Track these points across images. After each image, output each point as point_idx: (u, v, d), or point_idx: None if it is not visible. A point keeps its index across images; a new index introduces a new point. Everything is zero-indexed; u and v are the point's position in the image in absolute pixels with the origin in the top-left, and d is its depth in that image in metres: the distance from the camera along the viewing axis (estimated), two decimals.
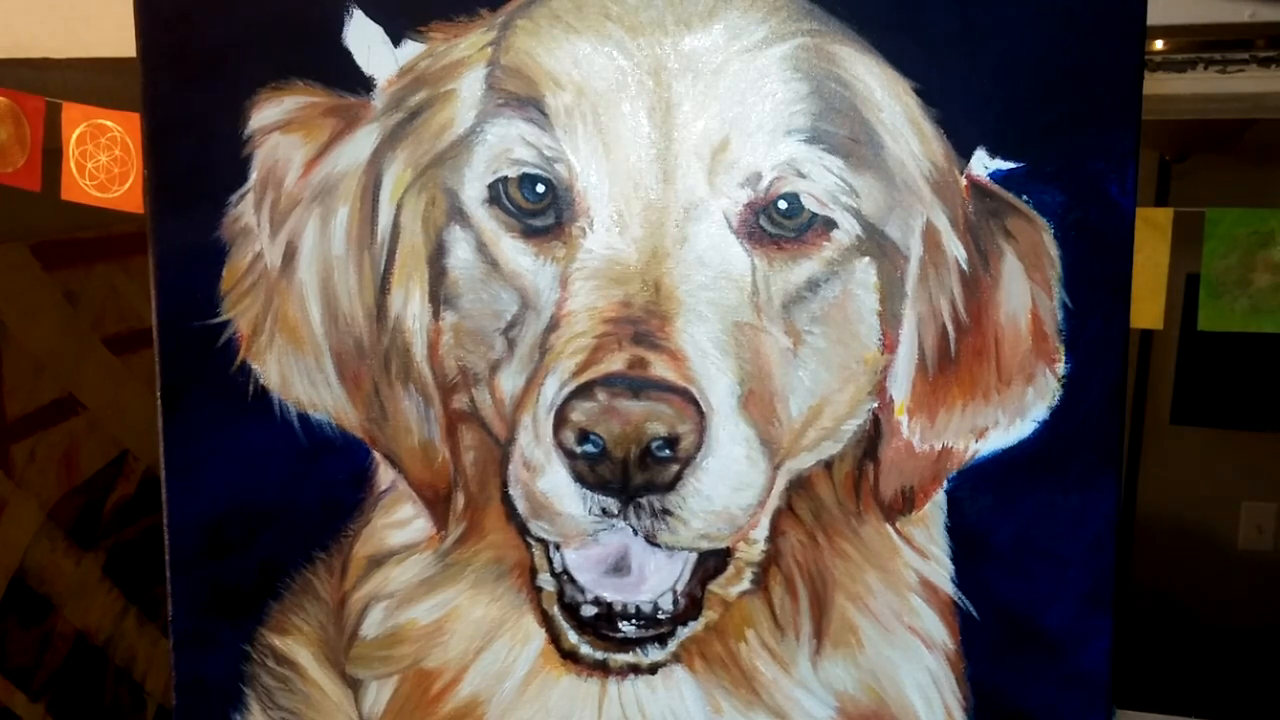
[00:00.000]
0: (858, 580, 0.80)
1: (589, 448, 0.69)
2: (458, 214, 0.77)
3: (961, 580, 0.79)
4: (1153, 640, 2.80)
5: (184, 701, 0.87)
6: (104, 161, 1.26)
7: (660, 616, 0.77)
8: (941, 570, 0.79)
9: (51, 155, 1.30)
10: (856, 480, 0.79)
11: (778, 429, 0.74)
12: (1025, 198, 0.74)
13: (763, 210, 0.73)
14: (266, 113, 0.79)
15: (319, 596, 0.84)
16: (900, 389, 0.77)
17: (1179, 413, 2.84)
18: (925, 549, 0.79)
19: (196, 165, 0.81)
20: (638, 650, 0.78)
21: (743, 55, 0.73)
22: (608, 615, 0.77)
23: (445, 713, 0.83)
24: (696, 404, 0.69)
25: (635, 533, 0.72)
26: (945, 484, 0.78)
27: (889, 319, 0.76)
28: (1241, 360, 2.74)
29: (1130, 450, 2.81)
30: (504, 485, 0.75)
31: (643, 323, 0.70)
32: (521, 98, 0.74)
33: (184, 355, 0.82)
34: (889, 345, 0.76)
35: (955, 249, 0.75)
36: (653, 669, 0.79)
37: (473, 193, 0.76)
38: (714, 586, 0.78)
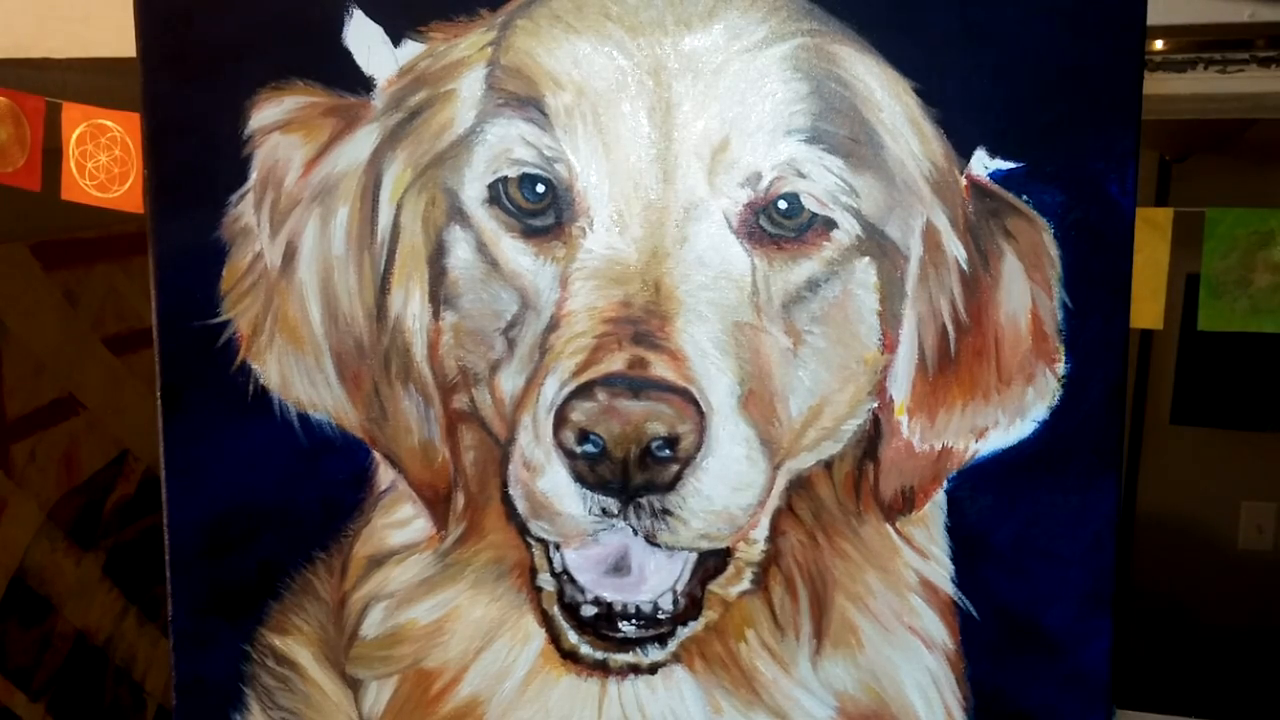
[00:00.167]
0: (858, 580, 0.80)
1: (589, 448, 0.69)
2: (458, 214, 0.77)
3: (961, 580, 0.79)
4: (1153, 640, 2.80)
5: (184, 701, 0.87)
6: (104, 161, 1.26)
7: (660, 616, 0.77)
8: (941, 570, 0.79)
9: (51, 155, 1.30)
10: (856, 480, 0.79)
11: (778, 429, 0.74)
12: (1025, 198, 0.74)
13: (763, 210, 0.73)
14: (266, 113, 0.79)
15: (319, 596, 0.84)
16: (900, 389, 0.77)
17: (1179, 413, 2.84)
18: (925, 549, 0.79)
19: (196, 165, 0.81)
20: (638, 650, 0.78)
21: (743, 55, 0.73)
22: (608, 615, 0.77)
23: (445, 713, 0.83)
24: (696, 404, 0.69)
25: (635, 533, 0.72)
26: (945, 484, 0.78)
27: (889, 319, 0.76)
28: (1241, 360, 2.74)
29: (1130, 450, 2.81)
30: (504, 485, 0.75)
31: (643, 323, 0.70)
32: (521, 98, 0.74)
33: (184, 355, 0.82)
34: (889, 345, 0.76)
35: (955, 249, 0.75)
36: (653, 669, 0.79)
37: (473, 193, 0.76)
38: (714, 586, 0.78)
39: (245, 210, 0.80)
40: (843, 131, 0.73)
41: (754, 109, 0.72)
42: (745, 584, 0.78)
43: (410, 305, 0.79)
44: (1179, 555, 2.86)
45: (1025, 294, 0.75)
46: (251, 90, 0.79)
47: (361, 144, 0.78)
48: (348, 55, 0.77)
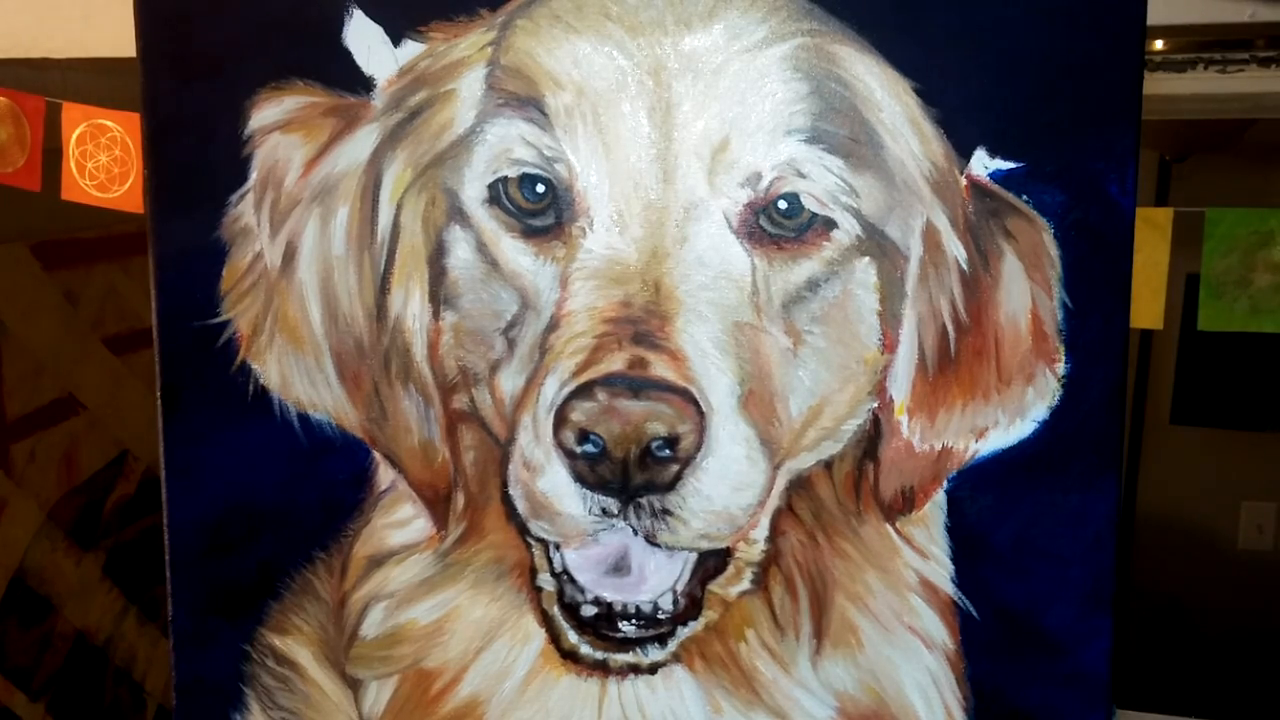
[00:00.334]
0: (858, 580, 0.80)
1: (589, 448, 0.69)
2: (458, 214, 0.77)
3: (961, 580, 0.79)
4: (1153, 640, 2.80)
5: (184, 701, 0.87)
6: (104, 161, 1.26)
7: (660, 616, 0.77)
8: (941, 570, 0.79)
9: (51, 155, 1.30)
10: (856, 480, 0.79)
11: (778, 429, 0.74)
12: (1025, 198, 0.74)
13: (763, 210, 0.73)
14: (266, 113, 0.79)
15: (319, 596, 0.84)
16: (900, 389, 0.77)
17: (1179, 413, 2.84)
18: (925, 549, 0.79)
19: (196, 165, 0.81)
20: (638, 650, 0.78)
21: (743, 55, 0.73)
22: (608, 615, 0.77)
23: (445, 713, 0.83)
24: (696, 404, 0.69)
25: (635, 533, 0.72)
26: (945, 484, 0.78)
27: (889, 319, 0.76)
28: (1241, 360, 2.74)
29: (1130, 450, 2.81)
30: (504, 485, 0.75)
31: (643, 323, 0.70)
32: (521, 98, 0.74)
33: (184, 355, 0.82)
34: (889, 345, 0.76)
35: (955, 249, 0.75)
36: (653, 669, 0.79)
37: (473, 193, 0.76)
38: (714, 586, 0.78)
39: (245, 210, 0.80)
40: (843, 131, 0.73)
41: (754, 109, 0.72)
42: (745, 584, 0.78)
43: (410, 305, 0.79)
44: (1179, 555, 2.85)
45: (1025, 294, 0.75)
46: (251, 90, 0.79)
47: (361, 144, 0.78)
48: (348, 55, 0.77)
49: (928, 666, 0.80)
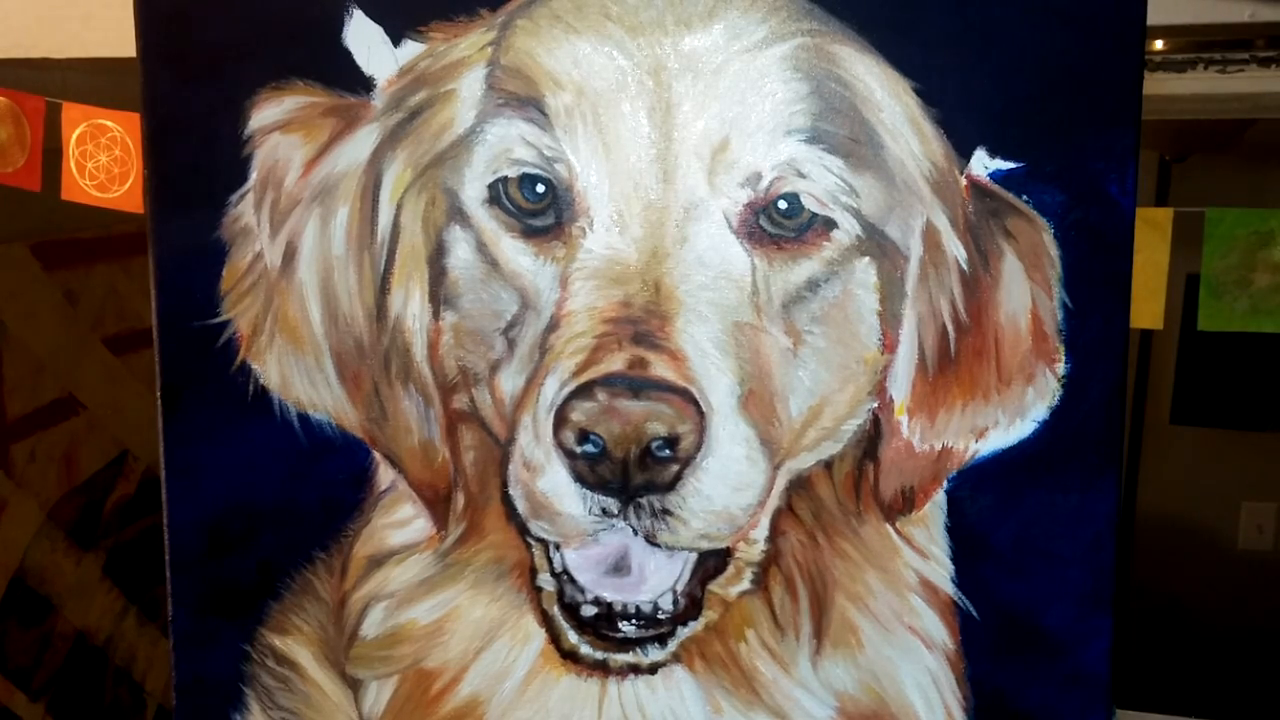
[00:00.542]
0: (858, 580, 0.80)
1: (589, 448, 0.69)
2: (458, 214, 0.77)
3: (961, 580, 0.79)
4: (1153, 640, 2.80)
5: (184, 701, 0.87)
6: (104, 161, 1.26)
7: (660, 616, 0.77)
8: (941, 570, 0.79)
9: (51, 155, 1.30)
10: (856, 480, 0.79)
11: (778, 429, 0.74)
12: (1025, 198, 0.74)
13: (763, 210, 0.73)
14: (266, 113, 0.79)
15: (319, 596, 0.84)
16: (900, 389, 0.77)
17: (1179, 413, 2.84)
18: (925, 549, 0.79)
19: (196, 165, 0.81)
20: (638, 650, 0.78)
21: (743, 55, 0.73)
22: (608, 615, 0.77)
23: (445, 713, 0.83)
24: (696, 404, 0.69)
25: (635, 533, 0.72)
26: (945, 484, 0.78)
27: (889, 319, 0.76)
28: (1241, 360, 2.74)
29: (1130, 450, 2.81)
30: (504, 485, 0.75)
31: (643, 323, 0.70)
32: (521, 98, 0.74)
33: (184, 355, 0.82)
34: (889, 345, 0.76)
35: (955, 249, 0.75)
36: (653, 669, 0.79)
37: (473, 193, 0.76)
38: (714, 586, 0.78)
39: (245, 210, 0.80)
40: (843, 131, 0.73)
41: (754, 109, 0.72)
42: (745, 584, 0.78)
43: (410, 305, 0.79)
44: (1179, 555, 2.86)
45: (1025, 294, 0.75)
46: (251, 90, 0.79)
47: (361, 144, 0.78)
48: (348, 55, 0.77)
49: (928, 666, 0.80)
